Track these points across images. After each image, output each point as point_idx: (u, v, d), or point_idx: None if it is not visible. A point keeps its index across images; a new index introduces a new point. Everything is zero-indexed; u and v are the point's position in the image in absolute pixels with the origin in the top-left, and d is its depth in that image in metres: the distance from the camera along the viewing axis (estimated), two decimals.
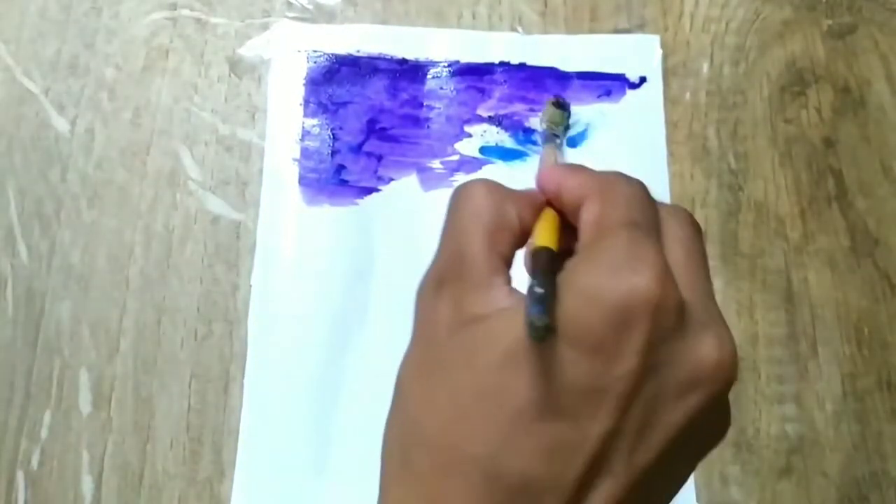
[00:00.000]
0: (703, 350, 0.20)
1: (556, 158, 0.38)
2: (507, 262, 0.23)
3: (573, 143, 0.46)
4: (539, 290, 0.19)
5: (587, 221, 0.22)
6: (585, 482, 0.20)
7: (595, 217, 0.22)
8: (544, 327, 0.19)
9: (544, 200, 0.25)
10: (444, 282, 0.22)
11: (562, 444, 0.19)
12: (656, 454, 0.20)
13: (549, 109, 0.46)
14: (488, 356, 0.20)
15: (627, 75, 0.47)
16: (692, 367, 0.20)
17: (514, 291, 0.22)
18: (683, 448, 0.21)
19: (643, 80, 0.47)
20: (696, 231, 0.23)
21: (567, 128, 0.46)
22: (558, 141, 0.45)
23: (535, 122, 0.47)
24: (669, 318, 0.20)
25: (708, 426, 0.21)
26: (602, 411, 0.19)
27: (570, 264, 0.21)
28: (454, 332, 0.21)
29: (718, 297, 0.44)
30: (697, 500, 0.40)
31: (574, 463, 0.19)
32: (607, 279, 0.20)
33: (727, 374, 0.21)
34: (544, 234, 0.23)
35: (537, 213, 0.24)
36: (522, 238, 0.23)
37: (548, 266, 0.21)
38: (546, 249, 0.22)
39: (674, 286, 0.20)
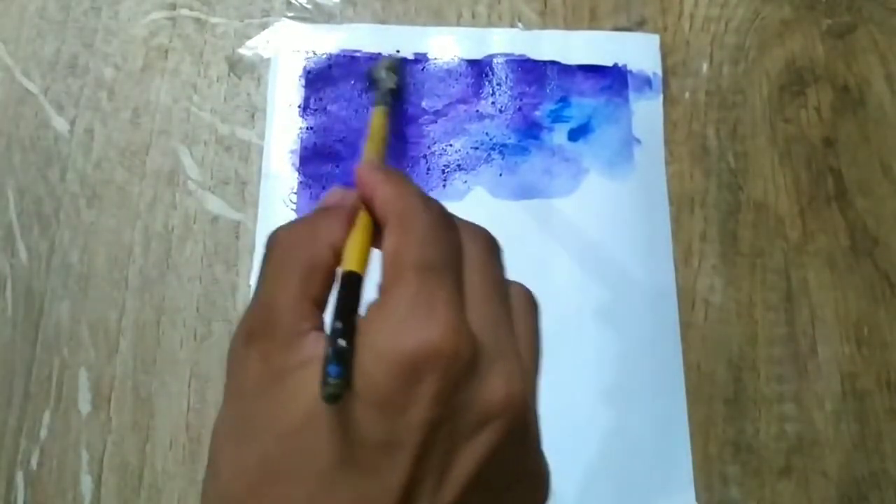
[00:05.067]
0: (491, 388, 0.21)
1: (385, 125, 0.36)
2: (320, 304, 0.23)
3: (575, 136, 0.46)
4: (334, 345, 0.20)
5: (385, 254, 0.23)
6: None
7: (391, 253, 0.22)
8: (336, 392, 0.19)
9: (356, 206, 0.25)
10: (252, 336, 0.22)
11: (366, 498, 0.20)
12: (458, 494, 0.21)
13: (384, 63, 0.44)
14: (291, 416, 0.20)
15: (628, 72, 0.47)
16: (482, 406, 0.21)
17: (321, 339, 0.22)
18: (489, 489, 0.21)
19: (643, 78, 0.47)
20: (493, 254, 0.24)
21: (397, 90, 0.44)
22: (390, 104, 0.42)
23: (374, 73, 0.45)
24: (460, 368, 0.20)
25: (510, 463, 0.22)
26: (399, 463, 0.20)
27: (368, 311, 0.21)
28: (261, 389, 0.21)
29: (718, 297, 0.45)
30: (697, 500, 0.40)
31: None
32: (396, 334, 0.20)
33: (516, 408, 0.21)
34: (353, 252, 0.23)
35: (350, 225, 0.24)
36: (337, 263, 0.24)
37: (349, 300, 0.21)
38: (350, 277, 0.22)
39: (465, 335, 0.20)
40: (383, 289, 0.22)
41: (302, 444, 0.20)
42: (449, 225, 0.23)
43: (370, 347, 0.20)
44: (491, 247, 0.24)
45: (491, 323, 0.22)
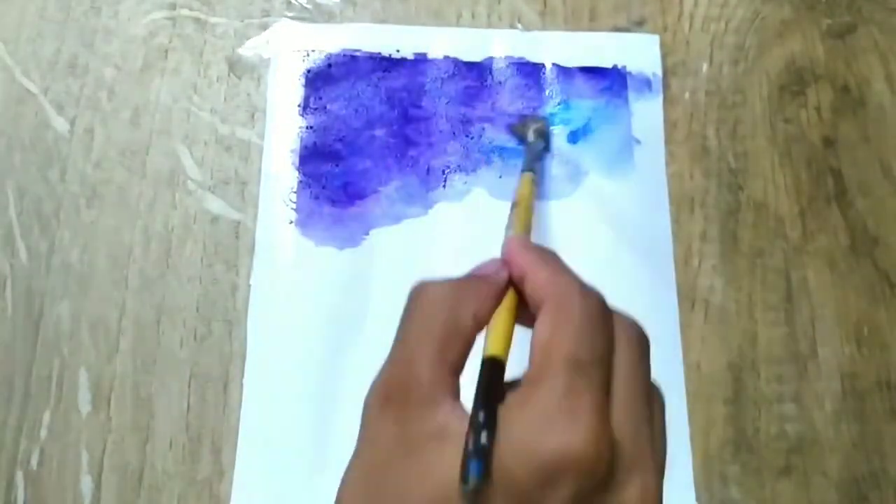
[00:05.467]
0: (625, 497, 0.21)
1: (533, 194, 0.36)
2: (457, 370, 0.23)
3: (574, 138, 0.46)
4: (476, 441, 0.20)
5: (536, 344, 0.22)
6: None
7: (543, 343, 0.22)
8: (476, 489, 0.19)
9: (506, 281, 0.25)
10: (389, 399, 0.22)
11: None
12: None
13: (533, 125, 0.44)
14: (424, 491, 0.21)
15: (628, 73, 0.47)
16: None
17: (457, 409, 0.22)
18: None
19: (643, 79, 0.47)
20: (644, 352, 0.24)
21: (546, 150, 0.45)
22: (537, 170, 0.41)
23: (505, 137, 0.45)
24: (597, 476, 0.20)
25: None
26: None
27: (512, 401, 0.21)
28: (395, 456, 0.21)
29: (718, 297, 0.45)
30: (697, 500, 0.40)
31: None
32: (539, 433, 0.20)
33: None
34: (497, 336, 0.23)
35: (497, 299, 0.24)
36: (478, 332, 0.24)
37: (492, 388, 0.22)
38: (493, 363, 0.22)
39: (606, 444, 0.20)
40: (530, 379, 0.22)
41: None
42: (605, 318, 0.23)
43: (512, 441, 0.20)
44: (643, 344, 0.24)
45: (633, 428, 0.22)
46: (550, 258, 0.25)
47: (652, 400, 0.23)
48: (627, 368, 0.23)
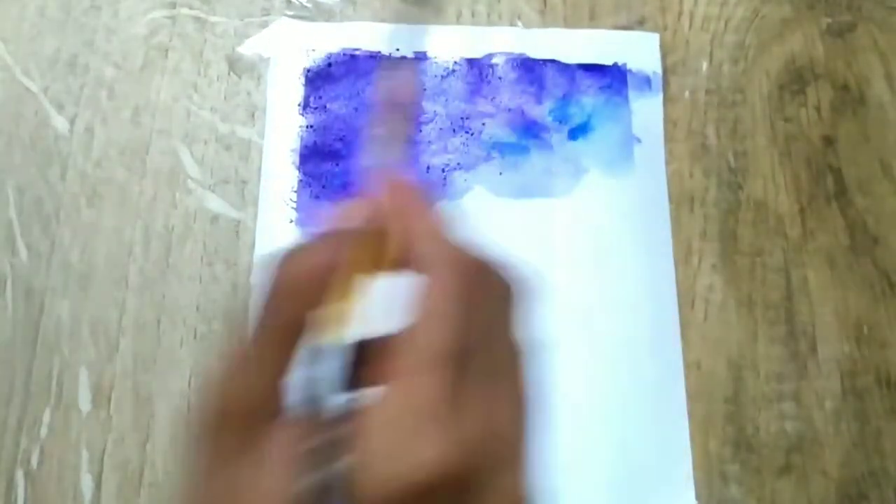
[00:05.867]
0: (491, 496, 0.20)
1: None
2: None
3: (574, 135, 0.46)
4: (334, 477, 0.19)
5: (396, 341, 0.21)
6: None
7: (401, 341, 0.21)
8: None
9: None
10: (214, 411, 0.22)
11: None
12: None
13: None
14: None
15: (628, 71, 0.47)
16: None
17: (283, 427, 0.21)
18: None
19: (643, 77, 0.47)
20: (511, 306, 0.22)
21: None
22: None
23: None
24: (459, 488, 0.19)
25: None
26: None
27: (370, 411, 0.20)
28: (217, 474, 0.21)
29: (718, 296, 0.45)
30: (697, 498, 0.40)
31: None
32: (401, 453, 0.19)
33: None
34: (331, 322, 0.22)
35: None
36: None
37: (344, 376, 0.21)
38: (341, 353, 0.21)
39: (468, 449, 0.19)
40: (390, 375, 0.20)
41: None
42: (460, 302, 0.21)
43: (373, 463, 0.19)
44: (510, 299, 0.23)
45: (488, 417, 0.20)
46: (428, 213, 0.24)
47: (514, 357, 0.22)
48: (485, 338, 0.21)
